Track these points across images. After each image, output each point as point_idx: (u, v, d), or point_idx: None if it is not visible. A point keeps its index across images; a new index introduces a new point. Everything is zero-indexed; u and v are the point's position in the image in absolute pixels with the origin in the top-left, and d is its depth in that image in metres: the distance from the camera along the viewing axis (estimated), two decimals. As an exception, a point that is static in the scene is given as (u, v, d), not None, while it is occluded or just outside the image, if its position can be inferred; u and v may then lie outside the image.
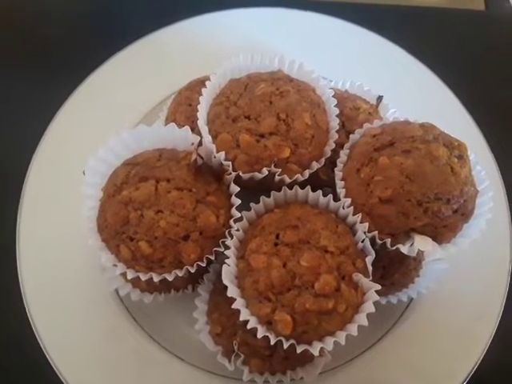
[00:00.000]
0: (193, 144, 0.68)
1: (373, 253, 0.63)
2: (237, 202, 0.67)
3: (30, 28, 1.18)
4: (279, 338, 0.59)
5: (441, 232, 0.62)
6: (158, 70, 1.01)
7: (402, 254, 0.64)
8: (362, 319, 0.58)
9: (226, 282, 0.61)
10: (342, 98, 0.78)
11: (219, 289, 0.72)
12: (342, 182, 0.67)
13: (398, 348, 0.77)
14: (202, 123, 0.68)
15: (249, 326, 0.59)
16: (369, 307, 0.59)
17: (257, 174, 0.66)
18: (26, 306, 0.78)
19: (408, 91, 0.97)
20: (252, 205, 0.69)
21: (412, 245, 0.62)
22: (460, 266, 0.78)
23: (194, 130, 0.73)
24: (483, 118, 0.96)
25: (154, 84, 0.99)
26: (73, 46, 1.15)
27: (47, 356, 0.75)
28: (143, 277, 0.64)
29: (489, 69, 1.14)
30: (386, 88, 0.82)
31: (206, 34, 1.04)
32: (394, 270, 0.74)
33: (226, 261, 0.63)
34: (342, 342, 0.58)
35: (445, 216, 0.61)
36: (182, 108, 0.82)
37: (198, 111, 0.69)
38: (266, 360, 0.68)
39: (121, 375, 0.75)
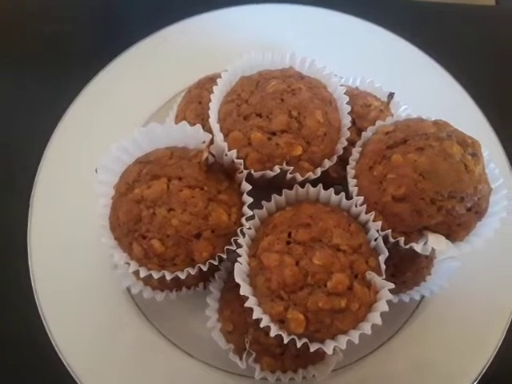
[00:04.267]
0: (204, 142, 0.68)
1: (386, 251, 0.63)
2: (248, 200, 0.66)
3: (39, 26, 1.18)
4: (292, 337, 0.59)
5: (454, 230, 0.62)
6: (167, 67, 1.01)
7: (414, 252, 0.64)
8: (375, 318, 0.58)
9: (238, 280, 0.61)
10: (353, 95, 0.78)
11: (230, 287, 0.72)
12: (355, 180, 0.67)
13: (409, 346, 0.77)
14: (213, 121, 0.68)
15: (262, 325, 0.59)
16: (382, 306, 0.59)
17: (268, 172, 0.66)
18: (37, 303, 0.79)
19: (419, 88, 0.96)
20: (264, 203, 0.69)
21: (426, 243, 0.62)
22: (473, 264, 0.78)
23: (204, 127, 0.73)
24: (495, 114, 0.95)
25: (164, 82, 0.99)
26: (82, 44, 1.15)
27: (59, 353, 0.75)
28: (156, 275, 0.64)
29: (500, 64, 1.13)
30: (397, 85, 0.82)
31: (216, 31, 1.04)
32: (406, 269, 0.74)
33: (238, 259, 0.63)
34: (356, 340, 0.58)
35: (458, 214, 0.61)
36: (192, 106, 0.82)
37: (208, 109, 0.68)
38: (278, 358, 0.68)
39: (132, 372, 0.76)
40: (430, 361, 0.75)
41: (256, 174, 0.66)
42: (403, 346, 0.77)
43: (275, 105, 0.66)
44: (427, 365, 0.75)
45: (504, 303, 0.78)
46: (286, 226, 0.63)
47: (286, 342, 0.59)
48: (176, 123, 0.71)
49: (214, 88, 0.69)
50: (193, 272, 0.64)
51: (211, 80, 0.83)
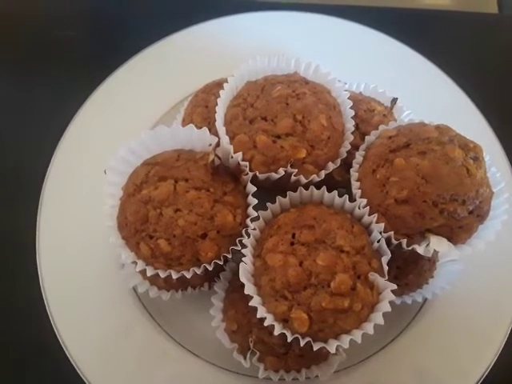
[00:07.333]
0: (210, 145, 0.69)
1: (388, 253, 0.63)
2: (253, 201, 0.68)
3: (47, 31, 1.20)
4: (295, 336, 0.60)
5: (456, 233, 0.63)
6: (174, 72, 1.03)
7: (417, 254, 0.64)
8: (378, 318, 0.59)
9: (242, 279, 0.62)
10: (357, 100, 0.79)
11: (235, 287, 0.73)
12: (358, 183, 0.68)
13: (412, 348, 0.77)
14: (219, 124, 0.69)
15: (266, 324, 0.60)
16: (385, 306, 0.59)
17: (273, 174, 0.67)
18: (45, 301, 0.80)
19: (422, 93, 0.97)
20: (268, 204, 0.70)
21: (428, 245, 0.62)
22: (474, 267, 0.78)
23: (211, 131, 0.74)
24: (497, 119, 0.96)
25: (171, 86, 1.01)
26: (90, 50, 1.17)
27: (66, 352, 0.76)
28: (162, 274, 0.66)
29: (502, 71, 1.14)
30: (401, 90, 0.83)
31: (223, 37, 1.05)
32: (408, 271, 0.74)
33: (243, 259, 0.64)
34: (359, 340, 0.59)
35: (460, 217, 0.61)
36: (199, 110, 0.83)
37: (214, 113, 0.70)
38: (281, 358, 0.69)
39: (137, 370, 0.77)
40: (432, 362, 0.76)
41: (261, 176, 0.67)
42: (406, 347, 0.77)
43: (280, 109, 0.68)
44: (430, 367, 0.75)
45: (506, 305, 0.79)
46: (290, 227, 0.65)
47: (289, 340, 0.60)
48: (183, 126, 0.72)
49: (221, 92, 0.71)
50: (198, 272, 0.65)
51: (218, 85, 0.84)
